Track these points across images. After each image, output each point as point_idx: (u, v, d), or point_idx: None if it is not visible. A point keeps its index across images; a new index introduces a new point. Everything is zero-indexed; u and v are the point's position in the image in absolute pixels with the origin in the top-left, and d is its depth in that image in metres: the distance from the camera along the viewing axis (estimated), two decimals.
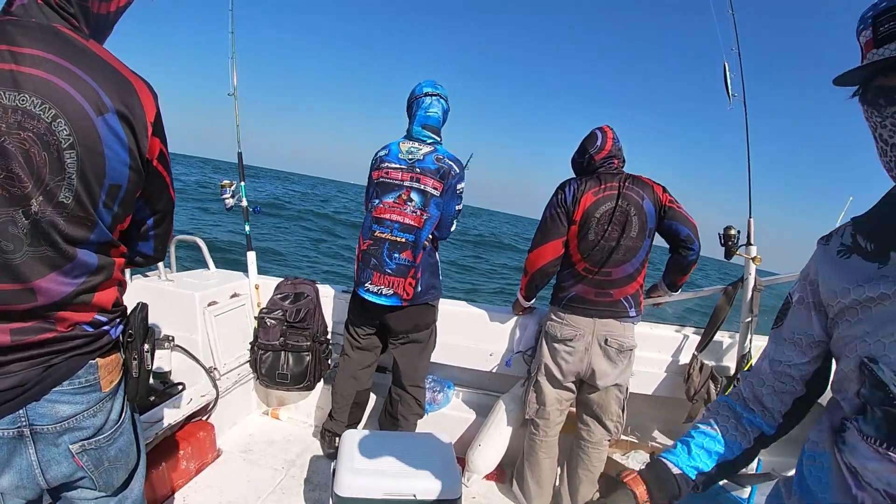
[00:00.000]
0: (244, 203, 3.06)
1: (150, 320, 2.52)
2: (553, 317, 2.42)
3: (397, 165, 2.49)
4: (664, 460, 1.04)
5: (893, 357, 0.74)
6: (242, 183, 3.05)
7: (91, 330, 1.11)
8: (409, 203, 2.45)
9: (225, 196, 2.95)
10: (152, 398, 2.43)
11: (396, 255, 2.46)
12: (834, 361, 0.91)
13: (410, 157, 2.48)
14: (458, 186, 2.52)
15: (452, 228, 2.61)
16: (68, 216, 1.01)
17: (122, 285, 1.20)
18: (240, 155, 3.07)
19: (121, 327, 1.20)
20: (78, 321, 1.08)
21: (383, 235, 2.48)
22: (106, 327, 1.14)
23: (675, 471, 1.02)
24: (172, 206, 1.28)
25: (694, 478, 1.02)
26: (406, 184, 2.46)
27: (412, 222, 2.44)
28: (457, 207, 2.56)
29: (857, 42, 0.78)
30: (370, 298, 2.49)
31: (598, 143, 2.34)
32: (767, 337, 1.03)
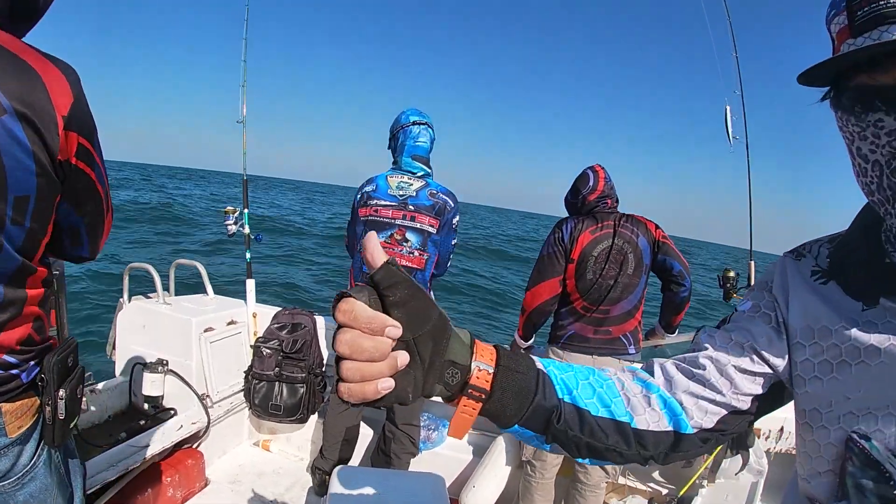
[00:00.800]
0: (246, 230, 3.07)
1: (146, 343, 2.51)
2: (551, 356, 2.40)
3: (387, 202, 2.38)
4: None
5: (889, 433, 0.61)
6: (246, 210, 3.06)
7: None
8: (405, 244, 2.36)
9: (228, 222, 2.96)
10: (143, 422, 2.39)
11: None
12: (795, 425, 0.74)
13: (401, 192, 2.38)
14: (454, 221, 2.46)
15: (449, 265, 2.54)
16: None
17: (39, 320, 1.07)
18: (245, 182, 3.10)
19: (36, 369, 1.07)
20: None
21: None
22: (15, 371, 1.01)
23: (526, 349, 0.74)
24: (106, 205, 1.14)
25: (560, 396, 0.66)
26: (398, 222, 2.37)
27: (410, 264, 2.36)
28: (453, 242, 2.49)
29: (827, 33, 0.62)
30: None
31: (591, 183, 2.38)
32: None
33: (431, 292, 2.45)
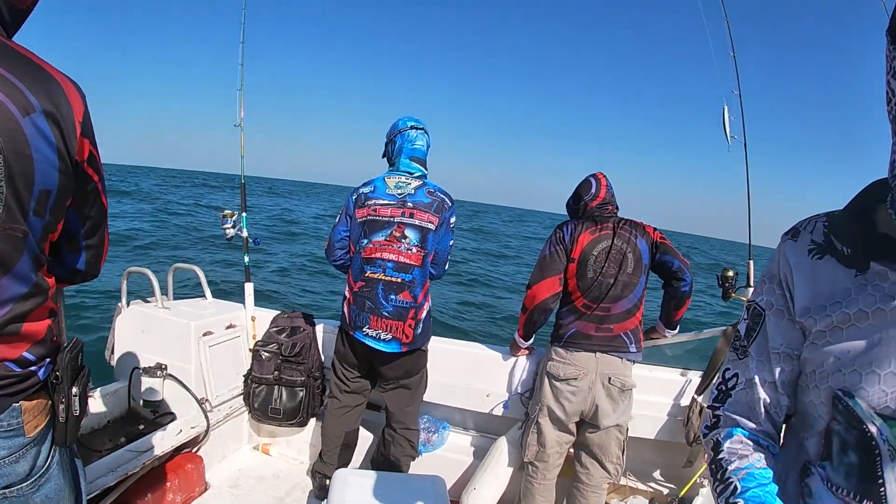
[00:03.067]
0: (244, 234, 3.07)
1: (145, 347, 2.51)
2: (554, 356, 2.39)
3: (386, 201, 2.38)
4: None
5: (871, 391, 0.66)
6: (244, 214, 3.06)
7: (17, 370, 1.01)
8: (404, 240, 2.36)
9: (226, 226, 2.96)
10: (141, 427, 2.39)
11: (393, 297, 2.36)
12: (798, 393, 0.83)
13: (400, 191, 2.39)
14: (451, 220, 2.47)
15: (446, 266, 2.55)
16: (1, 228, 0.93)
17: (54, 315, 1.11)
18: (243, 185, 3.10)
19: (49, 367, 1.10)
20: (4, 358, 0.99)
21: (375, 276, 2.36)
22: (34, 368, 1.05)
23: None
24: (106, 215, 1.20)
25: None
26: (397, 220, 2.36)
27: (408, 260, 2.36)
28: (450, 242, 2.50)
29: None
30: (370, 343, 2.39)
31: (593, 190, 2.44)
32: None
33: (428, 293, 2.46)
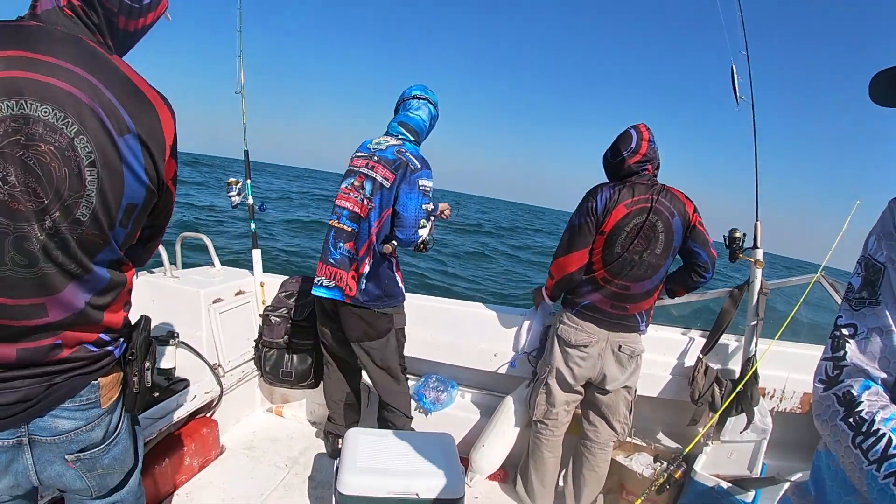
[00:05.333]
0: (250, 201, 3.06)
1: (156, 316, 2.54)
2: (566, 321, 2.39)
3: (360, 153, 2.44)
4: None
5: None
6: (248, 181, 3.05)
7: (95, 350, 1.11)
8: (361, 191, 2.36)
9: (231, 194, 2.95)
10: (156, 394, 2.44)
11: (341, 245, 2.38)
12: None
13: (376, 146, 2.42)
14: (421, 182, 2.35)
15: (422, 234, 2.41)
16: (82, 234, 1.01)
17: (129, 305, 1.21)
18: (246, 153, 3.07)
19: (124, 345, 1.21)
20: (83, 340, 1.09)
21: (332, 222, 2.43)
22: (109, 347, 1.15)
23: None
24: (169, 219, 1.29)
25: None
26: (361, 170, 2.39)
27: (357, 210, 2.36)
28: (424, 206, 2.37)
29: None
30: (318, 293, 2.45)
31: (633, 144, 2.24)
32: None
33: (375, 247, 2.37)
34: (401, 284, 2.54)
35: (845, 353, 0.86)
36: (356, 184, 2.38)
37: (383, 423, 2.67)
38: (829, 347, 0.90)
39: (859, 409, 0.80)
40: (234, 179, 2.95)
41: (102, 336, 1.12)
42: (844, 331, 0.88)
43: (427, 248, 2.58)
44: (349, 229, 2.37)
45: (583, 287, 2.35)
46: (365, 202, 2.35)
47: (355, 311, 2.41)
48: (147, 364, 1.25)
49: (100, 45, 1.04)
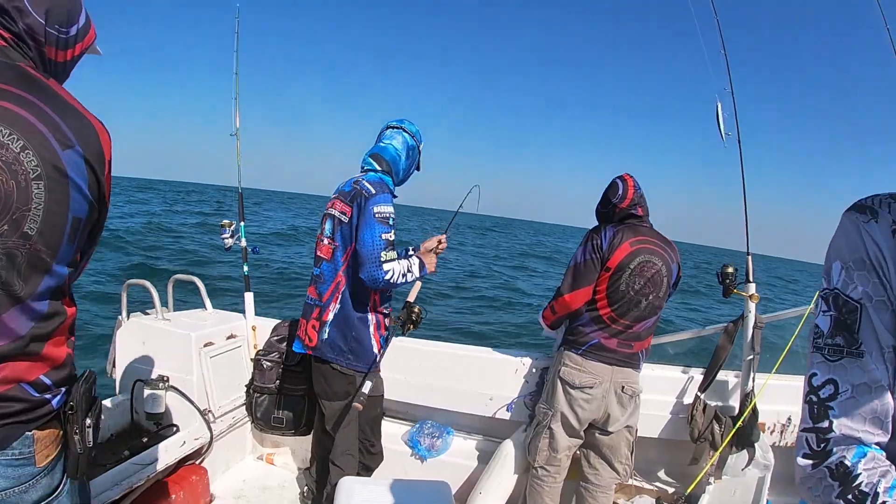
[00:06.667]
0: (243, 243, 3.06)
1: (146, 359, 2.50)
2: (569, 363, 2.37)
3: (332, 196, 2.31)
4: None
5: None
6: (242, 223, 3.06)
7: (33, 395, 1.02)
8: (324, 232, 2.25)
9: (224, 236, 2.95)
10: (145, 439, 2.38)
11: (308, 294, 2.30)
12: None
13: (342, 183, 2.29)
14: (376, 209, 2.07)
15: (389, 269, 2.06)
16: (29, 249, 0.99)
17: (71, 344, 1.14)
18: (240, 194, 3.10)
19: (62, 397, 1.10)
20: (22, 378, 1.01)
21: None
22: (48, 395, 1.06)
23: None
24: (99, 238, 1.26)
25: None
26: (326, 211, 2.28)
27: (321, 253, 2.25)
28: (382, 235, 2.06)
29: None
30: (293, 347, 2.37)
31: (620, 192, 2.37)
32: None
33: (345, 289, 2.18)
34: (374, 346, 2.23)
35: (830, 423, 0.74)
36: (323, 226, 2.27)
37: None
38: (808, 415, 0.76)
39: (857, 482, 0.69)
40: (227, 221, 2.96)
41: (43, 378, 1.04)
42: (823, 392, 0.75)
43: (419, 318, 2.30)
44: (315, 274, 2.26)
45: (587, 326, 2.35)
46: (326, 241, 2.22)
47: (315, 363, 2.29)
48: (89, 422, 1.13)
49: (36, 72, 1.07)
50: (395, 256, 2.09)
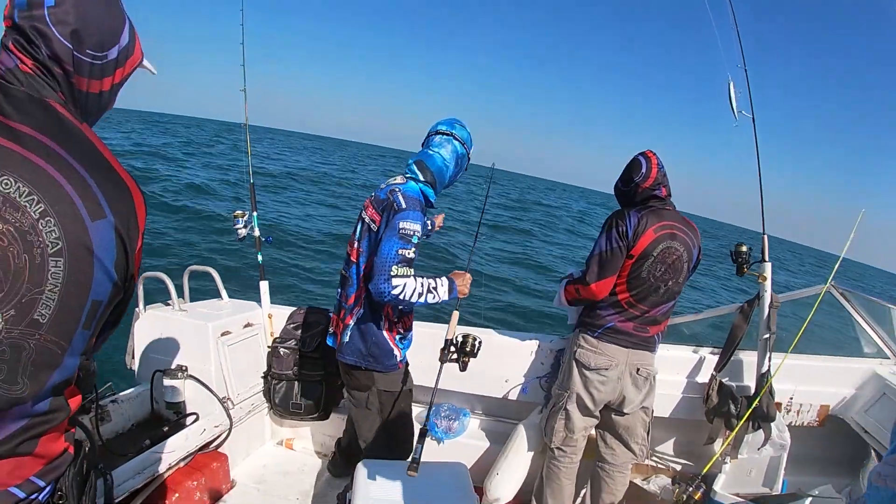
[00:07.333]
0: (256, 233, 3.07)
1: (164, 351, 2.52)
2: (585, 344, 2.36)
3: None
4: None
5: None
6: (255, 213, 3.07)
7: (20, 495, 0.86)
8: (355, 235, 2.22)
9: (237, 226, 2.96)
10: (166, 428, 2.42)
11: (339, 290, 2.29)
12: None
13: (382, 187, 2.21)
14: (402, 225, 2.00)
15: (398, 285, 1.95)
16: (39, 340, 0.82)
17: (69, 433, 0.97)
18: (252, 186, 3.10)
19: (52, 487, 0.93)
20: (6, 483, 0.84)
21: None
22: (35, 495, 0.89)
23: None
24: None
25: None
26: (361, 213, 2.23)
27: (351, 255, 2.22)
28: (399, 251, 1.97)
29: None
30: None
31: (644, 170, 2.28)
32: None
33: (366, 295, 2.13)
34: (393, 348, 2.21)
35: None
36: (356, 227, 2.23)
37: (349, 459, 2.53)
38: None
39: None
40: (240, 212, 2.96)
41: (34, 480, 0.88)
42: None
43: (473, 349, 2.11)
44: (344, 274, 2.25)
45: (605, 310, 2.33)
46: (356, 244, 2.19)
47: (339, 360, 2.29)
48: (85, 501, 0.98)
49: (68, 112, 0.88)
50: (410, 274, 2.00)
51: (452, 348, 2.11)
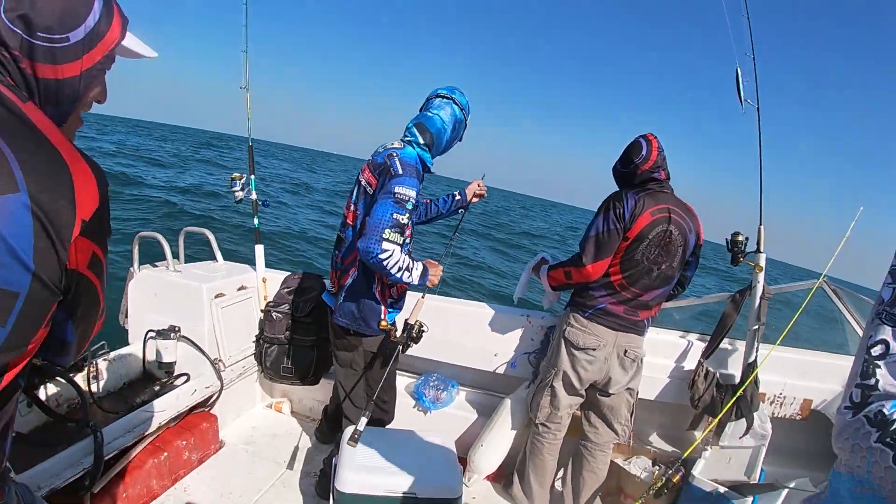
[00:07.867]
0: (253, 196, 3.06)
1: (158, 310, 2.50)
2: (575, 324, 2.37)
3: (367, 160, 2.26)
4: None
5: None
6: (252, 176, 3.05)
7: None
8: (351, 196, 2.23)
9: (235, 189, 2.95)
10: (157, 388, 2.45)
11: (334, 251, 2.30)
12: None
13: (380, 149, 2.20)
14: (397, 189, 1.99)
15: (387, 249, 1.92)
16: None
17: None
18: (250, 148, 3.08)
19: None
20: None
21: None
22: None
23: None
24: (103, 315, 0.97)
25: None
26: (358, 177, 2.24)
27: (347, 218, 2.22)
28: (393, 214, 1.95)
29: None
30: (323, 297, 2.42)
31: (644, 152, 2.25)
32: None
33: (358, 268, 2.17)
34: (381, 311, 2.22)
35: (876, 381, 0.83)
36: (353, 191, 2.24)
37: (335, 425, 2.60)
38: (859, 373, 0.85)
39: (895, 426, 0.78)
40: (238, 174, 2.95)
41: None
42: (874, 351, 0.83)
43: (419, 334, 2.21)
44: (340, 236, 2.27)
45: (597, 291, 2.33)
46: (353, 207, 2.19)
47: (331, 319, 2.30)
48: None
49: (11, 92, 0.79)
50: (400, 242, 1.97)
51: (405, 331, 2.20)
